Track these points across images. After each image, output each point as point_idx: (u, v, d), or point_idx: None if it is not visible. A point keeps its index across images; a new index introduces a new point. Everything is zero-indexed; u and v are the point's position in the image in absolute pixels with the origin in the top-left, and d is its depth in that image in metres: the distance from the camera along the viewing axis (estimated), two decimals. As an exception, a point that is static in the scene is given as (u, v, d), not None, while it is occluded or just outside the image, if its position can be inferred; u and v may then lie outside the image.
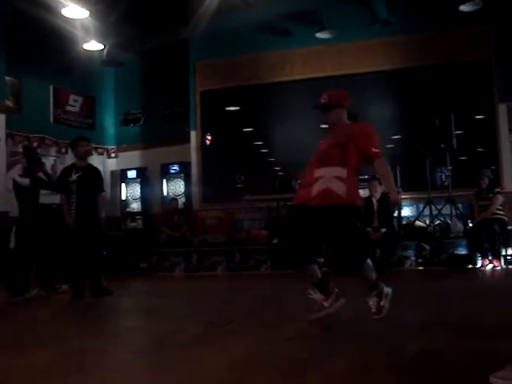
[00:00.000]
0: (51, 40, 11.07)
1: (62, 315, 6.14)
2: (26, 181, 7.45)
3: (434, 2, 11.12)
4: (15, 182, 7.56)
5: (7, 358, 3.74)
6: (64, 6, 9.95)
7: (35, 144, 12.12)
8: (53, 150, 12.69)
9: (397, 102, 11.80)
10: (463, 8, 10.66)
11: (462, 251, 9.28)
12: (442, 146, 9.98)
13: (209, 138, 13.01)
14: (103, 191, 7.66)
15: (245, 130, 12.96)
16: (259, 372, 3.14)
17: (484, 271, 8.80)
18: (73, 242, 7.12)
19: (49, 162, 12.37)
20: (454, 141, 9.91)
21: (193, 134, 12.98)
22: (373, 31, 11.64)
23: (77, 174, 7.17)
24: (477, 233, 9.27)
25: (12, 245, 7.47)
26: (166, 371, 3.22)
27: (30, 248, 7.42)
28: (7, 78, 11.46)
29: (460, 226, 9.69)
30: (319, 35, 11.82)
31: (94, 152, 13.71)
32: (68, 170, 7.31)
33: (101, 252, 7.54)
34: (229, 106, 13.19)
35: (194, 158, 12.93)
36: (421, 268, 9.25)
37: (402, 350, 3.46)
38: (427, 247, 9.33)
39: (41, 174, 7.70)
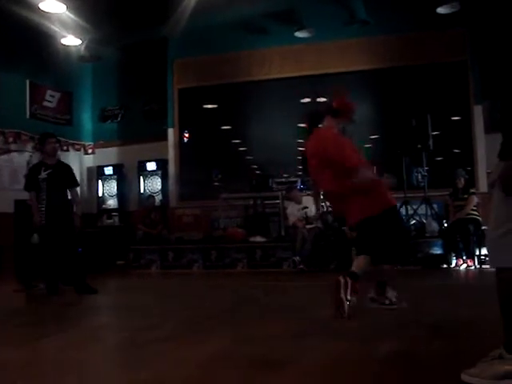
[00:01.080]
0: (28, 34, 10.95)
1: (36, 312, 6.10)
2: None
3: (412, 3, 11.18)
4: None
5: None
6: (41, 0, 9.87)
7: (11, 139, 12.01)
8: (29, 146, 12.56)
9: (374, 102, 11.85)
10: (440, 10, 10.75)
11: (437, 251, 9.37)
12: (419, 146, 10.06)
13: (186, 135, 12.99)
14: (77, 186, 7.56)
15: (222, 127, 12.96)
16: (234, 368, 3.14)
17: (458, 271, 8.90)
18: (43, 240, 7.06)
19: (24, 157, 12.26)
20: (431, 141, 10.00)
21: (170, 132, 12.96)
22: (351, 31, 11.69)
23: (46, 172, 7.08)
24: (452, 233, 9.37)
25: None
26: (135, 369, 3.20)
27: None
28: (-18, 72, 11.34)
29: (435, 225, 9.78)
30: (298, 34, 11.85)
31: (70, 148, 13.67)
32: (37, 168, 7.23)
33: (76, 249, 7.46)
34: (206, 104, 13.18)
35: (171, 155, 12.90)
36: (398, 267, 9.29)
37: (375, 348, 3.48)
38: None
39: None
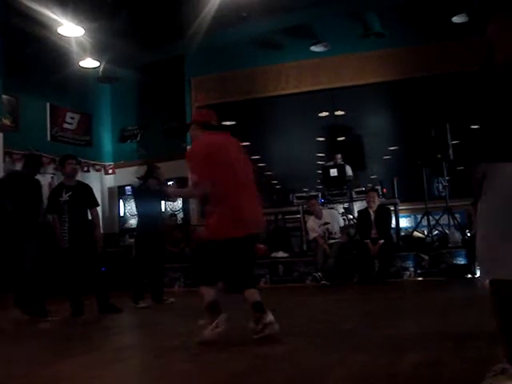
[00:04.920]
0: (47, 58, 11.13)
1: (61, 332, 6.13)
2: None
3: (426, 13, 11.18)
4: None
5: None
6: (60, 25, 10.02)
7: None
8: (50, 168, 12.68)
9: (393, 113, 11.85)
10: (456, 19, 10.72)
11: (461, 261, 9.27)
12: (439, 156, 10.01)
13: (206, 152, 13.01)
14: (97, 205, 7.62)
15: (241, 144, 12.95)
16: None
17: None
18: (68, 262, 7.11)
19: (46, 179, 12.36)
20: (451, 151, 9.94)
21: (190, 150, 12.99)
22: (367, 44, 11.71)
23: (68, 194, 7.14)
24: (475, 242, 9.26)
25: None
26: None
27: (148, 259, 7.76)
28: (4, 96, 11.49)
29: (458, 235, 9.70)
30: (314, 48, 11.89)
31: (91, 169, 13.78)
32: (58, 190, 7.28)
33: (99, 269, 7.51)
34: (225, 121, 13.21)
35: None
36: (420, 279, 9.24)
37: (401, 361, 3.46)
38: (426, 258, 9.32)
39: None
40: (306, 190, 11.24)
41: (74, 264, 7.09)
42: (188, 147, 13.00)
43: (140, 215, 8.23)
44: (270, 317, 4.26)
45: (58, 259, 7.21)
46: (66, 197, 7.13)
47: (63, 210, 7.12)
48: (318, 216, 9.54)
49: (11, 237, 6.84)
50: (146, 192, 8.02)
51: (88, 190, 7.56)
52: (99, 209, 7.86)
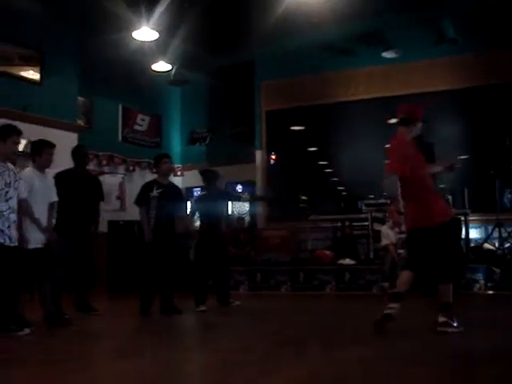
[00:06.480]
0: (121, 61, 11.39)
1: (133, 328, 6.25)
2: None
3: (501, 19, 10.93)
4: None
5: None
6: (135, 29, 10.23)
7: (104, 162, 12.43)
8: (121, 168, 12.98)
9: (464, 121, 11.59)
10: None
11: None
12: (513, 166, 9.77)
13: (273, 157, 13.09)
14: (184, 209, 7.74)
15: (309, 149, 12.98)
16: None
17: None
18: (148, 258, 7.18)
19: (117, 179, 12.67)
20: (526, 161, 9.68)
21: (258, 154, 13.09)
22: (439, 50, 11.52)
23: (158, 190, 7.23)
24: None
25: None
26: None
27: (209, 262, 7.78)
28: (79, 98, 11.81)
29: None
30: (385, 55, 11.79)
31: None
32: (150, 185, 7.38)
33: (174, 270, 7.52)
34: (294, 126, 13.25)
35: (258, 177, 13.02)
36: (491, 292, 9.00)
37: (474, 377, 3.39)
38: (497, 271, 9.08)
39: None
40: (371, 197, 11.10)
41: (154, 261, 7.14)
42: (258, 151, 13.12)
43: (202, 219, 8.19)
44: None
45: (137, 255, 7.31)
46: (156, 193, 7.23)
47: (151, 205, 7.20)
48: (397, 224, 9.22)
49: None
50: (211, 195, 8.06)
51: (178, 191, 7.74)
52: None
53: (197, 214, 8.13)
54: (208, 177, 8.23)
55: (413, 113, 5.32)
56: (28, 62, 10.58)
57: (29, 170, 6.14)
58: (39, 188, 6.03)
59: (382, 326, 4.79)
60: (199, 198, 8.18)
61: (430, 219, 4.92)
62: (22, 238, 5.71)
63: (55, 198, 6.36)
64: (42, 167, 6.22)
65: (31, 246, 5.87)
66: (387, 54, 11.79)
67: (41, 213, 6.04)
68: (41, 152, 6.19)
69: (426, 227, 4.93)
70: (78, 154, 7.60)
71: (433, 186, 5.22)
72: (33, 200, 5.90)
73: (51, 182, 6.38)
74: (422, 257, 5.03)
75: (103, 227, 11.01)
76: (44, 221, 6.08)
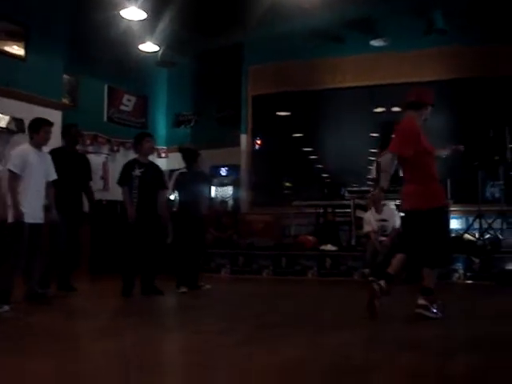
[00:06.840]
0: (108, 40, 11.26)
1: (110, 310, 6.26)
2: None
3: (491, 12, 10.95)
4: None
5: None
6: (123, 8, 10.13)
7: (88, 141, 12.34)
8: (105, 148, 12.90)
9: (450, 112, 11.61)
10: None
11: (513, 267, 9.09)
12: (496, 158, 9.82)
13: (258, 142, 13.09)
14: (166, 188, 7.67)
15: (295, 135, 12.98)
16: (310, 374, 3.15)
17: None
18: (131, 238, 7.15)
19: (100, 159, 12.59)
20: (509, 154, 9.74)
21: (243, 138, 13.07)
22: (427, 40, 11.51)
23: (140, 170, 7.21)
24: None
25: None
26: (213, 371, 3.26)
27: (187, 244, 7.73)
28: (65, 76, 11.69)
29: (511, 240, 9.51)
30: (373, 43, 11.78)
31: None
32: (131, 165, 7.33)
33: (157, 251, 7.48)
34: (280, 111, 13.23)
35: (243, 161, 13.02)
36: (469, 282, 9.09)
37: (451, 362, 3.44)
38: (477, 261, 9.17)
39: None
40: (355, 185, 11.14)
41: (136, 241, 7.11)
42: (243, 135, 13.12)
43: (181, 200, 8.08)
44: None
45: (120, 235, 7.30)
46: (138, 172, 7.21)
47: (133, 184, 7.18)
48: (378, 211, 9.27)
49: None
50: (192, 176, 8.01)
51: (159, 170, 7.69)
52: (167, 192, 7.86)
53: (175, 193, 8.07)
54: (186, 155, 8.20)
55: (424, 97, 5.38)
56: (12, 37, 10.42)
57: (25, 146, 6.17)
58: (35, 163, 6.05)
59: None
60: (178, 176, 7.99)
61: (429, 202, 5.05)
62: (17, 213, 5.76)
63: (54, 176, 6.37)
64: (38, 145, 6.25)
65: (28, 220, 5.88)
66: (375, 43, 11.77)
67: (39, 189, 6.07)
68: (39, 130, 6.21)
69: (422, 210, 5.05)
70: (69, 133, 7.60)
71: (436, 172, 5.27)
72: (28, 175, 5.92)
73: (49, 159, 6.39)
74: (413, 238, 5.11)
75: (85, 207, 11.01)
76: (42, 196, 6.18)
